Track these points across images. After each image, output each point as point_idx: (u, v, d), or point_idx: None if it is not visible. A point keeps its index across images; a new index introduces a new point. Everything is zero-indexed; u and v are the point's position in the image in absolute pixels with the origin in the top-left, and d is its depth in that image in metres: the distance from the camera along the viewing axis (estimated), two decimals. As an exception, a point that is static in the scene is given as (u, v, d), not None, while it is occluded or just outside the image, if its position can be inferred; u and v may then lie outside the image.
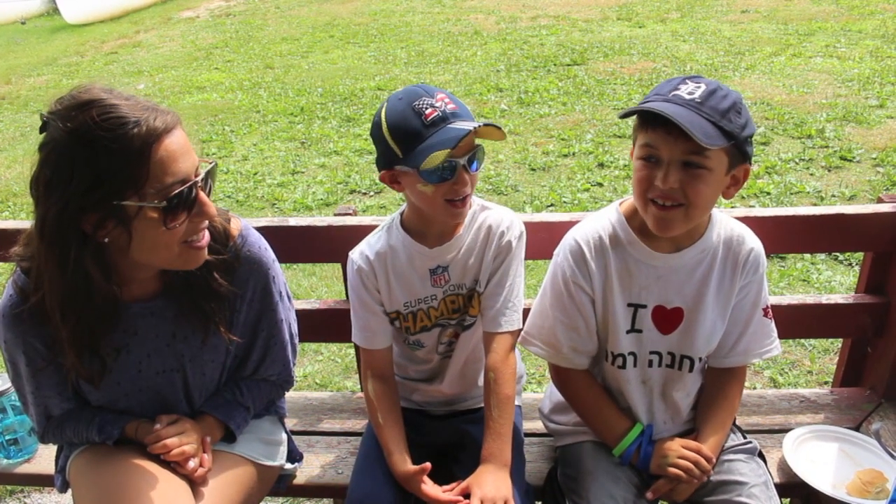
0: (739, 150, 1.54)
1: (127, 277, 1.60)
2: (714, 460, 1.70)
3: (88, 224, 1.41)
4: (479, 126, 1.57)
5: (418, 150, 1.59)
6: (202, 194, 1.46)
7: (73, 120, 1.36)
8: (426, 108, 1.60)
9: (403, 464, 1.75)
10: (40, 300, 1.52)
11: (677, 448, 1.71)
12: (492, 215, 1.82)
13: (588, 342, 1.80)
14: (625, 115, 1.59)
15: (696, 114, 1.48)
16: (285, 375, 1.91)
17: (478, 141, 1.69)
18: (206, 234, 1.55)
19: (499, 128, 1.61)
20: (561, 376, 1.87)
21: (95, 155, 1.35)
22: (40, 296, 1.52)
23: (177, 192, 1.41)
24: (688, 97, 1.52)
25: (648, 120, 1.54)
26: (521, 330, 1.84)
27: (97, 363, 1.64)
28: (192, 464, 1.65)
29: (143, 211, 1.40)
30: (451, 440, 1.92)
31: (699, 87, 1.53)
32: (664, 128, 1.50)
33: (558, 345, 1.79)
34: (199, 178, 1.45)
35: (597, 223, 1.77)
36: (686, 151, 1.51)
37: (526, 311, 1.86)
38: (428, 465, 1.70)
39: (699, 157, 1.51)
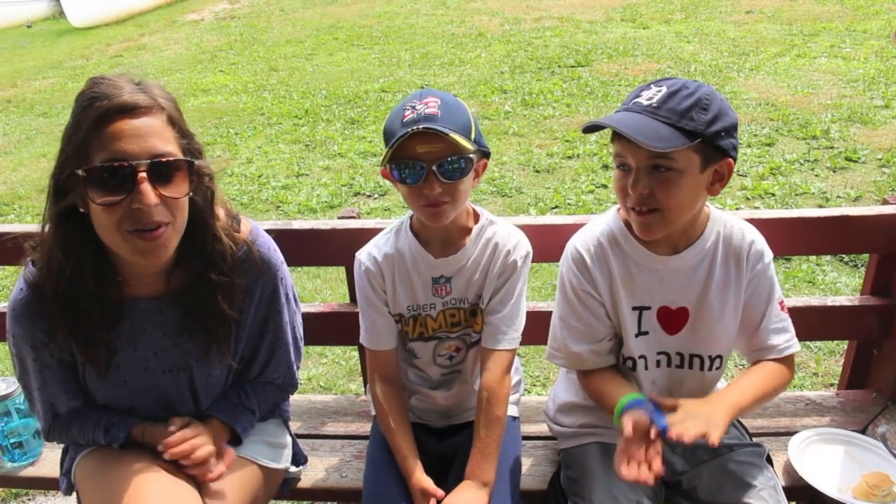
0: (712, 145, 1.53)
1: (130, 272, 1.62)
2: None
3: (71, 193, 1.46)
4: (416, 129, 1.55)
5: (387, 149, 1.62)
6: (143, 184, 1.41)
7: None
8: (407, 110, 1.61)
9: (417, 470, 1.76)
10: (48, 293, 1.55)
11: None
12: (499, 232, 1.81)
13: (606, 344, 1.80)
14: (586, 130, 1.60)
15: (652, 118, 1.50)
16: (289, 378, 1.91)
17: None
18: (166, 230, 1.49)
19: (444, 134, 1.56)
20: (585, 376, 1.85)
21: (70, 124, 1.46)
22: (49, 288, 1.55)
23: (97, 166, 1.40)
24: (646, 103, 1.53)
25: (614, 131, 1.56)
26: (516, 349, 1.84)
27: (103, 354, 1.64)
28: (210, 467, 1.65)
29: (80, 180, 1.42)
30: (450, 453, 1.91)
31: (659, 91, 1.54)
32: (625, 136, 1.52)
33: (578, 351, 1.79)
34: (137, 163, 1.41)
35: (596, 229, 1.78)
36: (650, 156, 1.52)
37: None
38: (441, 493, 1.71)
39: (665, 160, 1.52)
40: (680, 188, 1.55)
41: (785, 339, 1.77)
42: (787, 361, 1.79)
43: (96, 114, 1.41)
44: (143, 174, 1.42)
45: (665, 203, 1.56)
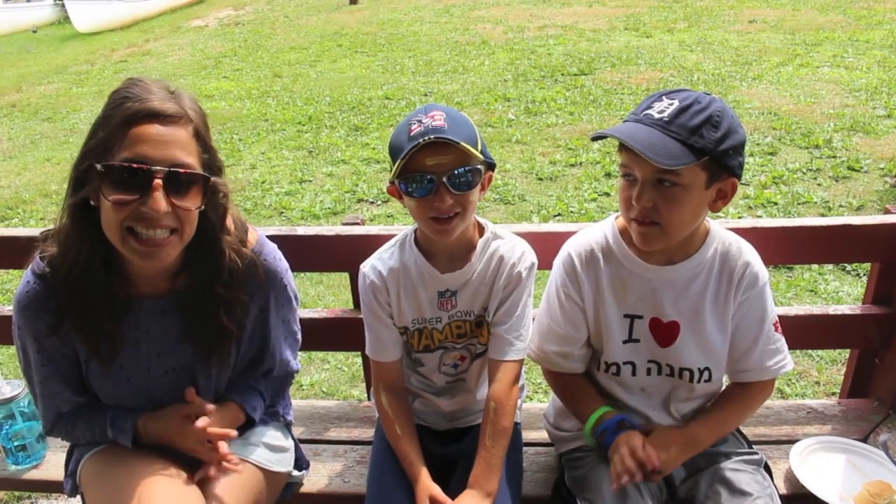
0: (719, 163, 1.53)
1: (134, 271, 1.63)
2: (659, 465, 1.63)
3: (87, 187, 1.49)
4: (429, 139, 1.55)
5: (396, 163, 1.62)
6: (158, 191, 1.43)
7: None
8: (413, 124, 1.62)
9: (424, 476, 1.76)
10: (61, 277, 1.57)
11: (626, 444, 1.64)
12: (504, 245, 1.82)
13: (577, 350, 1.81)
14: (595, 138, 1.60)
15: (663, 133, 1.49)
16: (292, 368, 1.95)
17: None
18: (172, 239, 1.51)
19: (455, 143, 1.57)
20: (554, 376, 1.88)
21: (99, 119, 1.49)
22: (61, 274, 1.56)
23: (116, 164, 1.42)
24: (657, 116, 1.52)
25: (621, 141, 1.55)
26: (523, 359, 1.85)
27: (108, 347, 1.66)
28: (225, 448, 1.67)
29: (97, 173, 1.44)
30: (452, 458, 1.91)
31: (671, 105, 1.53)
32: (634, 150, 1.51)
33: (547, 349, 1.82)
34: (156, 168, 1.43)
35: (591, 236, 1.79)
36: (657, 171, 1.51)
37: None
38: (449, 501, 1.71)
39: (671, 175, 1.51)
40: (683, 204, 1.55)
41: (777, 360, 1.77)
42: (763, 385, 1.82)
43: (125, 114, 1.44)
44: (159, 181, 1.44)
45: (667, 218, 1.56)
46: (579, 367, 1.84)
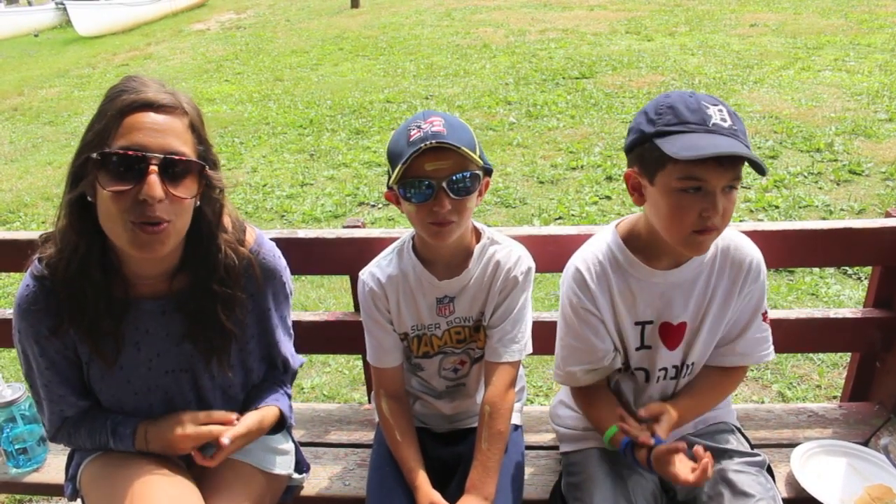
0: None
1: (132, 272, 1.63)
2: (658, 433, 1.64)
3: (84, 181, 1.49)
4: (430, 144, 1.56)
5: (396, 168, 1.62)
6: (152, 175, 1.43)
7: None
8: (413, 129, 1.62)
9: (424, 483, 1.76)
10: (59, 277, 1.57)
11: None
12: (500, 250, 1.82)
13: (603, 362, 1.79)
14: (694, 160, 1.46)
15: (739, 142, 1.48)
16: (296, 362, 1.96)
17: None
18: (167, 227, 1.49)
19: (455, 147, 1.58)
20: (577, 390, 1.87)
21: (95, 114, 1.50)
22: (59, 272, 1.56)
23: (111, 151, 1.43)
24: (726, 125, 1.50)
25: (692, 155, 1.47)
26: (520, 362, 1.85)
27: (110, 345, 1.65)
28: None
29: (93, 163, 1.45)
30: (452, 460, 1.91)
31: (723, 111, 1.52)
32: (714, 159, 1.45)
33: (573, 370, 1.80)
34: (150, 155, 1.43)
35: (595, 248, 1.78)
36: (732, 178, 1.51)
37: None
38: None
39: (738, 179, 1.52)
40: (734, 203, 1.56)
41: (764, 348, 1.82)
42: (744, 369, 1.88)
43: (121, 105, 1.45)
44: (154, 167, 1.44)
45: (725, 221, 1.55)
46: (602, 381, 1.84)
